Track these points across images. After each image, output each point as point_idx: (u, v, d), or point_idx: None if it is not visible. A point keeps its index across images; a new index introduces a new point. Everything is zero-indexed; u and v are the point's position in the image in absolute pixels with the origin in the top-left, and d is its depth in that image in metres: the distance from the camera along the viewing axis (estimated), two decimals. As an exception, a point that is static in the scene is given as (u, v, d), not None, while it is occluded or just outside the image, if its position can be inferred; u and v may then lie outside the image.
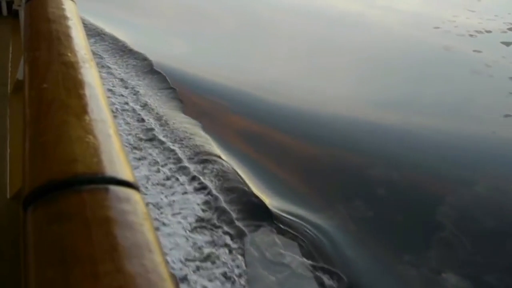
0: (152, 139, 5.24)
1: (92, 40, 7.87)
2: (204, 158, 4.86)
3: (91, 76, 0.90)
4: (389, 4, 11.44)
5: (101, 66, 6.94)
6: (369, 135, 5.50)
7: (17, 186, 1.87)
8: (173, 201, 4.22)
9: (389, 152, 5.16)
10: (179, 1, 11.17)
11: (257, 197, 4.29)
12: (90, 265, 0.51)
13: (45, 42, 1.03)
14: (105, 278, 0.50)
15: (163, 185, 4.45)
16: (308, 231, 3.93)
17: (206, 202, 4.22)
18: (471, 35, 8.99)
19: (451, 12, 10.38)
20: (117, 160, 0.67)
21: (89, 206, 0.58)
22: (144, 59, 7.31)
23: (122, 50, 7.69)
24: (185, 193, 4.35)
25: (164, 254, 0.55)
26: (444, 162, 5.01)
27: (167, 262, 0.55)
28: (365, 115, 5.97)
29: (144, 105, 5.99)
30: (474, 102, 6.60)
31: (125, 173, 0.65)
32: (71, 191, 0.60)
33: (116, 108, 5.90)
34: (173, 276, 0.53)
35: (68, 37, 1.06)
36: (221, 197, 4.27)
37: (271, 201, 4.26)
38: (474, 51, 8.21)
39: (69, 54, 0.97)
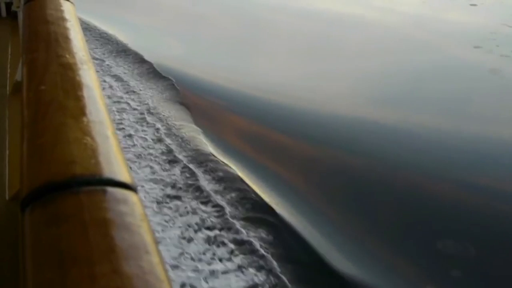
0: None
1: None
2: (253, 216, 3.92)
3: (89, 77, 0.91)
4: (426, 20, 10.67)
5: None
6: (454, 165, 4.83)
7: (15, 187, 1.86)
8: (213, 271, 3.39)
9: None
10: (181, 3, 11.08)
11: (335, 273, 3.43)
12: (87, 267, 0.51)
13: (44, 44, 1.03)
14: (102, 279, 0.50)
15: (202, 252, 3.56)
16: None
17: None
18: (516, 56, 8.17)
19: (489, 29, 9.67)
20: (114, 161, 0.68)
21: (87, 208, 0.58)
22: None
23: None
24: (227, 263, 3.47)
25: (161, 255, 0.55)
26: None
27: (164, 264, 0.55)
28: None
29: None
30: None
31: (123, 175, 0.66)
32: (69, 193, 0.60)
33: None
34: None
35: (66, 38, 1.06)
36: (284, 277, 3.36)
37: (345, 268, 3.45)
38: (524, 75, 7.40)
39: (67, 56, 0.97)
